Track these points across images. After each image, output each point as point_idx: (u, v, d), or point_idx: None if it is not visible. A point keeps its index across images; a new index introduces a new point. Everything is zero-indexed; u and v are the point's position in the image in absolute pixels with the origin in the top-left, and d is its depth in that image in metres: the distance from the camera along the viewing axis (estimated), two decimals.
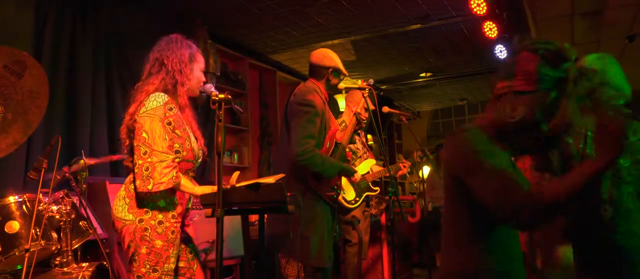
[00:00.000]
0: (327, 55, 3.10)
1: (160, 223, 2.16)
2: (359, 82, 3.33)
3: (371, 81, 3.34)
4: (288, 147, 2.89)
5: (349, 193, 3.94)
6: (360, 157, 4.24)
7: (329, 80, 3.10)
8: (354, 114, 3.31)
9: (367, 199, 4.26)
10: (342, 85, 3.27)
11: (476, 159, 1.40)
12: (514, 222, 1.35)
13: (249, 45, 5.97)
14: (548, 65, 1.42)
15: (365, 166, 4.16)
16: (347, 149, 3.23)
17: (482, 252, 1.47)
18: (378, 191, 4.17)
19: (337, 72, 3.11)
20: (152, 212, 2.17)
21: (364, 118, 3.76)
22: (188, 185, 2.24)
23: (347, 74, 3.20)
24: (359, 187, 4.04)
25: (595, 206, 1.87)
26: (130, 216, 2.16)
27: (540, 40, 1.48)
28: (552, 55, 1.42)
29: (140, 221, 2.15)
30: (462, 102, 9.72)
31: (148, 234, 2.14)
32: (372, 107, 3.46)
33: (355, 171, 3.34)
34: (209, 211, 2.12)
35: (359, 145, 4.32)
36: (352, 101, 4.23)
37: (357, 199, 4.02)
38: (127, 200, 2.19)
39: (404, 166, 4.39)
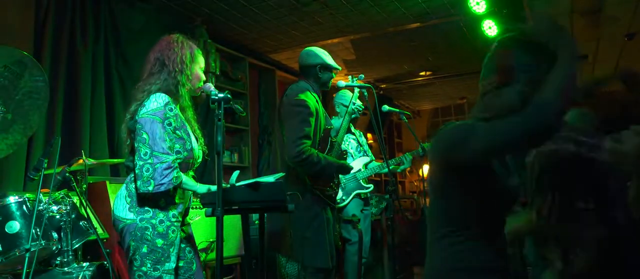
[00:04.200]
0: (312, 53, 3.08)
1: (161, 222, 2.17)
2: (348, 78, 3.31)
3: (361, 76, 3.33)
4: (283, 149, 2.88)
5: None
6: (351, 155, 4.24)
7: (320, 77, 3.08)
8: (347, 111, 3.31)
9: (366, 199, 4.26)
10: (342, 83, 3.27)
11: (474, 124, 1.45)
12: (542, 131, 1.36)
13: (248, 45, 5.97)
14: (523, 52, 1.52)
15: (357, 165, 4.15)
16: (343, 146, 3.22)
17: (482, 245, 1.48)
18: (371, 189, 4.16)
19: (325, 67, 3.08)
20: (152, 211, 2.17)
21: (354, 113, 3.76)
22: (190, 183, 2.25)
23: (339, 68, 3.17)
24: (347, 186, 4.04)
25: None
26: (131, 215, 2.17)
27: (512, 30, 1.60)
28: (524, 41, 1.53)
29: (141, 220, 2.15)
30: (462, 100, 9.72)
31: (149, 233, 2.14)
32: (359, 102, 3.44)
33: (352, 168, 3.33)
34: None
35: (353, 144, 4.32)
36: (340, 98, 4.24)
37: (344, 198, 4.01)
38: (128, 199, 2.19)
39: (407, 158, 4.33)
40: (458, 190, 1.50)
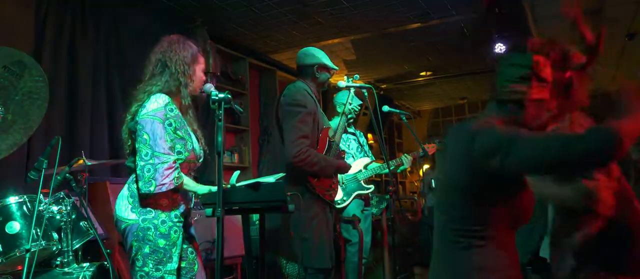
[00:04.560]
0: (310, 53, 3.09)
1: (163, 222, 2.17)
2: (344, 78, 3.31)
3: (356, 76, 3.33)
4: (282, 149, 2.87)
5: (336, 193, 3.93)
6: (352, 156, 4.24)
7: (317, 77, 3.07)
8: (343, 111, 3.31)
9: (367, 199, 4.26)
10: (342, 84, 3.27)
11: (510, 133, 1.34)
12: (593, 161, 1.28)
13: (248, 45, 5.97)
14: (557, 69, 1.42)
15: (357, 165, 4.15)
16: (344, 147, 3.22)
17: (507, 254, 1.43)
18: (371, 190, 4.16)
19: (323, 67, 3.08)
20: (155, 211, 2.17)
21: (350, 113, 3.78)
22: (191, 184, 2.25)
23: (336, 69, 3.17)
24: (348, 187, 4.03)
25: None
26: (133, 216, 2.17)
27: (550, 40, 1.47)
28: (561, 59, 1.43)
29: (144, 220, 2.15)
30: (463, 101, 9.72)
31: (151, 234, 2.14)
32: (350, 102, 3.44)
33: (350, 166, 3.33)
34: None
35: (354, 144, 4.32)
36: (340, 98, 4.25)
37: (345, 199, 4.01)
38: (130, 200, 2.19)
39: (407, 158, 4.31)
40: (491, 196, 1.39)
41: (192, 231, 2.41)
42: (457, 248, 1.44)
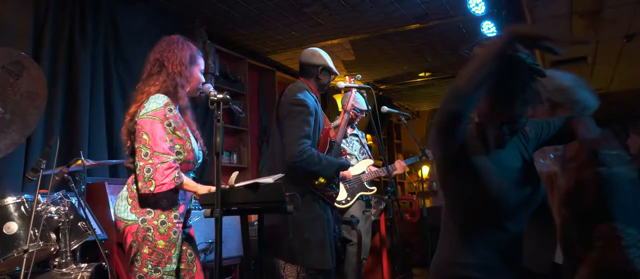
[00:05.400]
0: (317, 54, 3.08)
1: (162, 223, 2.16)
2: (346, 79, 3.31)
3: (358, 76, 3.33)
4: (283, 149, 2.86)
5: (340, 193, 3.94)
6: (356, 157, 4.23)
7: (319, 78, 3.07)
8: (345, 111, 3.31)
9: (368, 201, 4.26)
10: (342, 84, 3.27)
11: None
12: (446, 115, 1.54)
13: (247, 46, 5.96)
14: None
15: (361, 167, 4.15)
16: (342, 147, 3.21)
17: (463, 246, 1.55)
18: (374, 191, 4.16)
19: (327, 70, 3.08)
20: (154, 212, 2.16)
21: (353, 115, 3.77)
22: (191, 184, 2.24)
23: (338, 74, 3.18)
24: (351, 187, 4.03)
25: None
26: (133, 216, 2.16)
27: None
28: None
29: (143, 221, 2.15)
30: None
31: (150, 235, 2.14)
32: (352, 104, 3.44)
33: (351, 165, 3.33)
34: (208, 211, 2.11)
35: (357, 146, 4.31)
36: (345, 100, 4.25)
37: (349, 199, 4.01)
38: (130, 200, 2.19)
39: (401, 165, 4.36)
40: (450, 186, 1.58)
41: (191, 231, 2.40)
42: (446, 234, 1.61)
